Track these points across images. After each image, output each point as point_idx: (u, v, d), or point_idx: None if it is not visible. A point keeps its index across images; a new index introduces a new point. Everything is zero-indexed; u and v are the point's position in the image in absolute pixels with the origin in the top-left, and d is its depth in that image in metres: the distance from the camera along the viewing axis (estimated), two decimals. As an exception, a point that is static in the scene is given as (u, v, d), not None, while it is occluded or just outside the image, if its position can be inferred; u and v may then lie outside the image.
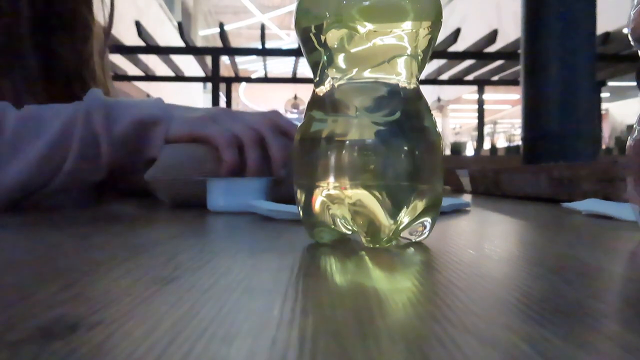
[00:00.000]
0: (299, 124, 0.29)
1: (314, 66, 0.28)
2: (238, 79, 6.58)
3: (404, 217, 0.26)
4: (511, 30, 5.10)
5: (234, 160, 0.52)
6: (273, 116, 0.57)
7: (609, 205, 0.44)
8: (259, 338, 0.13)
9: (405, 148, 0.26)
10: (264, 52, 5.64)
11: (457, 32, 4.99)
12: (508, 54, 5.04)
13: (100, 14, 0.69)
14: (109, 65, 0.74)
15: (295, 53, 5.39)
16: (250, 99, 14.49)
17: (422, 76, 0.28)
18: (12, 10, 0.59)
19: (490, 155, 5.56)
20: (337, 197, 0.26)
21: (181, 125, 0.54)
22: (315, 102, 0.28)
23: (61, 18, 0.64)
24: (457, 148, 6.02)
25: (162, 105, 0.56)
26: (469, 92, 9.13)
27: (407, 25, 0.26)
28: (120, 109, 0.53)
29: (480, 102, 6.63)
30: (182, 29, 4.97)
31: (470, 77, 6.31)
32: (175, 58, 5.64)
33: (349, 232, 0.27)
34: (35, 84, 0.61)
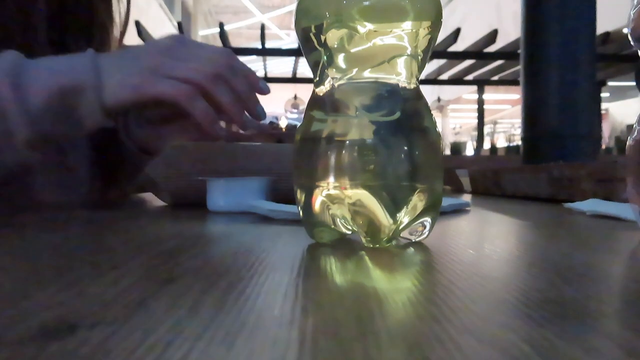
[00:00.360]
0: (298, 124, 0.29)
1: (314, 66, 0.28)
2: (238, 78, 6.57)
3: (404, 217, 0.26)
4: (511, 30, 5.11)
5: (206, 110, 0.47)
6: (228, 57, 0.49)
7: (612, 206, 0.44)
8: (259, 338, 0.13)
9: (405, 148, 0.26)
10: (264, 52, 5.65)
11: (457, 32, 4.99)
12: (508, 54, 5.04)
13: (116, 14, 0.68)
14: None
15: (295, 53, 5.40)
16: (250, 99, 14.44)
17: (422, 76, 0.28)
18: (28, 7, 0.58)
19: (490, 155, 5.56)
20: (337, 197, 0.26)
21: (122, 89, 0.46)
22: (315, 102, 0.28)
23: (77, 18, 0.63)
24: (457, 148, 6.03)
25: (87, 66, 0.46)
26: (469, 92, 9.13)
27: (407, 25, 0.26)
28: (33, 77, 0.45)
29: (480, 102, 6.64)
30: (182, 29, 4.98)
31: (470, 77, 6.32)
32: (175, 58, 5.62)
33: (349, 232, 0.27)
34: None
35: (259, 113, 0.50)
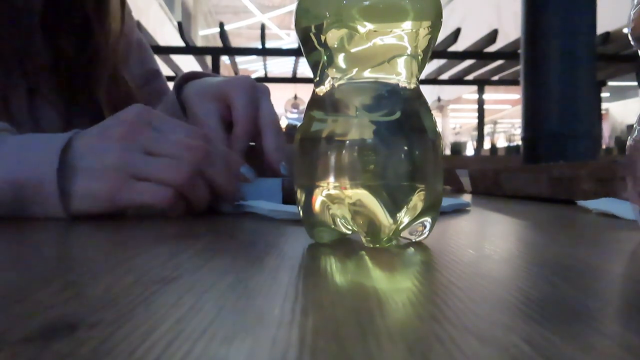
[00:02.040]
0: (298, 124, 0.29)
1: (314, 66, 0.28)
2: (239, 79, 6.58)
3: (404, 217, 0.26)
4: (511, 30, 5.11)
5: (186, 210, 0.42)
6: (204, 140, 0.42)
7: (622, 205, 0.44)
8: (259, 338, 0.13)
9: (405, 148, 0.26)
10: (264, 52, 5.66)
11: (457, 32, 5.00)
12: (508, 54, 5.05)
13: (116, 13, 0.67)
14: (123, 65, 0.68)
15: (295, 53, 5.41)
16: (250, 99, 14.44)
17: (422, 76, 0.28)
18: (23, 4, 0.58)
19: (490, 155, 5.57)
20: (337, 197, 0.26)
21: (88, 199, 0.40)
22: (315, 102, 0.28)
23: (72, 22, 0.61)
24: (457, 148, 6.03)
25: (50, 158, 0.39)
26: (469, 92, 9.14)
27: (407, 25, 0.26)
28: None
29: (480, 102, 6.65)
30: (182, 29, 4.98)
31: (470, 77, 6.33)
32: (175, 58, 5.64)
33: (349, 232, 0.27)
34: (48, 80, 0.59)
35: (241, 195, 0.45)
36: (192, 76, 0.61)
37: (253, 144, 0.53)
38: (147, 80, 0.74)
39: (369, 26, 0.25)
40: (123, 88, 0.66)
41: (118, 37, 0.65)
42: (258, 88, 0.53)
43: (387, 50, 0.26)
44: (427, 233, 0.28)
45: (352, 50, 0.26)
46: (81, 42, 0.61)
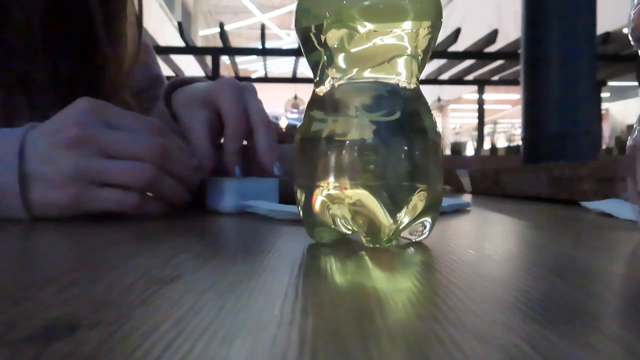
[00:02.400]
0: (298, 124, 0.29)
1: (314, 66, 0.28)
2: (238, 79, 6.59)
3: (404, 217, 0.26)
4: (511, 30, 5.12)
5: (161, 209, 0.42)
6: (159, 133, 0.42)
7: (623, 206, 0.44)
8: (259, 338, 0.13)
9: (405, 148, 0.26)
10: (264, 52, 5.66)
11: (457, 32, 5.00)
12: (508, 54, 5.05)
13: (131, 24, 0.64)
14: (131, 85, 0.66)
15: (295, 53, 5.41)
16: (250, 99, 14.46)
17: (422, 76, 0.28)
18: (24, 20, 0.57)
19: (490, 155, 5.58)
20: (337, 197, 0.26)
21: (50, 207, 0.39)
22: (315, 102, 0.28)
23: (70, 40, 0.60)
24: (457, 148, 6.04)
25: (7, 165, 0.38)
26: (469, 92, 9.14)
27: (407, 25, 0.26)
28: None
29: (480, 102, 6.65)
30: (182, 29, 4.98)
31: (470, 77, 6.33)
32: (175, 58, 5.64)
33: (349, 232, 0.27)
34: (50, 100, 0.59)
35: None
36: (179, 83, 0.60)
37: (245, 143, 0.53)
38: (149, 85, 0.74)
39: (369, 26, 0.25)
40: (126, 100, 0.65)
41: (134, 62, 0.64)
42: (245, 88, 0.53)
43: (387, 50, 0.26)
44: (427, 233, 0.28)
45: (352, 50, 0.26)
46: (82, 61, 0.60)
